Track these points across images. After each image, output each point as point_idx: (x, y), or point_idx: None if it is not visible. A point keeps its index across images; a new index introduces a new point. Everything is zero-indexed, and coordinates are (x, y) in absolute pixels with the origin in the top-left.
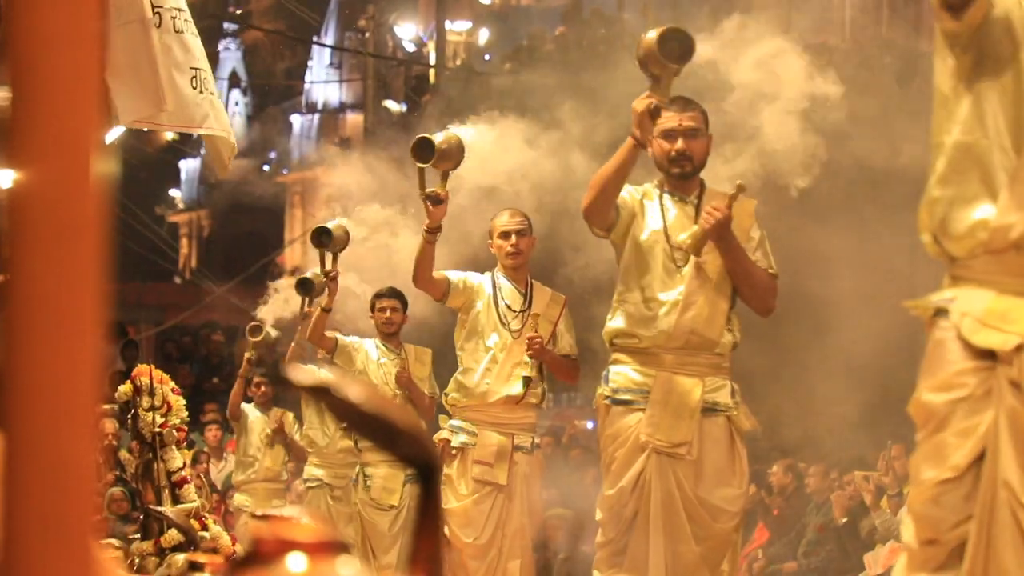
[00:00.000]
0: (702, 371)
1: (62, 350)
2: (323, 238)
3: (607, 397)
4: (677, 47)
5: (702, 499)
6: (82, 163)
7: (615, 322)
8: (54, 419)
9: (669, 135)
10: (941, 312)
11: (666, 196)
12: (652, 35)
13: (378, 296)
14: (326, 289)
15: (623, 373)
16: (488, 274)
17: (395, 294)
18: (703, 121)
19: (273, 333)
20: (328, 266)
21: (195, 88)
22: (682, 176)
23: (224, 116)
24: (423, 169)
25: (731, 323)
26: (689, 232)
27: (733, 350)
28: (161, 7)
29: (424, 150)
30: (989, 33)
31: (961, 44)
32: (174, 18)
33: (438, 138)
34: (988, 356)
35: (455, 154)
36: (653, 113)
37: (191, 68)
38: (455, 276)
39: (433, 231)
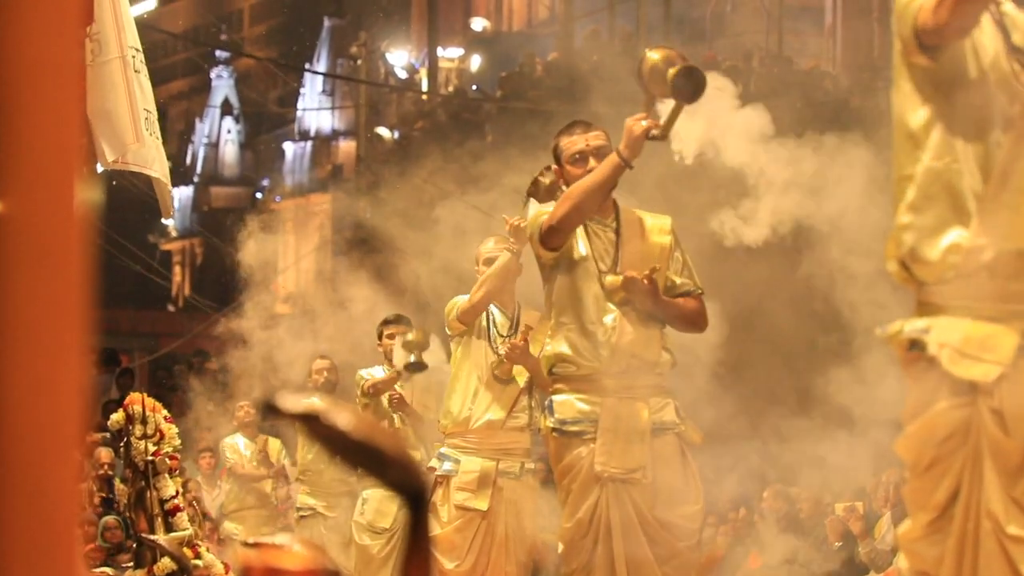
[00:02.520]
0: (645, 392)
1: (45, 377)
2: (416, 368)
3: (554, 429)
4: (691, 86)
5: (662, 520)
6: (64, 191)
7: (558, 346)
8: (37, 446)
9: (579, 157)
10: (916, 344)
11: (586, 222)
12: (670, 70)
13: (386, 323)
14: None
15: (567, 403)
16: None
17: (403, 320)
18: (608, 139)
19: None
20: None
21: (147, 131)
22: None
23: (165, 161)
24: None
25: (666, 341)
26: (611, 279)
27: (672, 368)
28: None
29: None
30: (955, 61)
31: (931, 78)
32: (134, 57)
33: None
34: (968, 387)
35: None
36: (649, 136)
37: (144, 110)
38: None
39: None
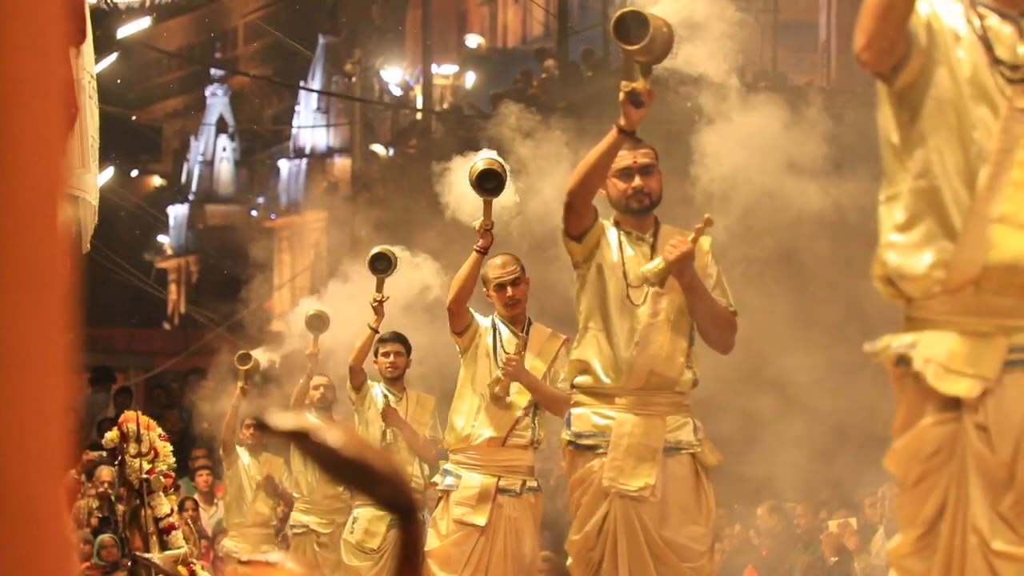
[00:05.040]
0: (663, 410)
1: (29, 396)
2: (379, 264)
3: (570, 442)
4: (628, 30)
5: (668, 540)
6: (48, 209)
7: (583, 352)
8: (21, 466)
9: (625, 173)
10: (903, 359)
11: (623, 234)
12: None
13: (382, 341)
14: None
15: (584, 416)
16: (490, 318)
17: (398, 338)
18: (655, 157)
19: (263, 362)
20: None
21: (91, 158)
22: (641, 211)
23: (97, 193)
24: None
25: (691, 361)
26: (654, 263)
27: (694, 387)
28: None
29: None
30: (929, 78)
31: (906, 97)
32: (89, 83)
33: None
34: (954, 402)
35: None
36: (632, 99)
37: (91, 136)
38: (471, 314)
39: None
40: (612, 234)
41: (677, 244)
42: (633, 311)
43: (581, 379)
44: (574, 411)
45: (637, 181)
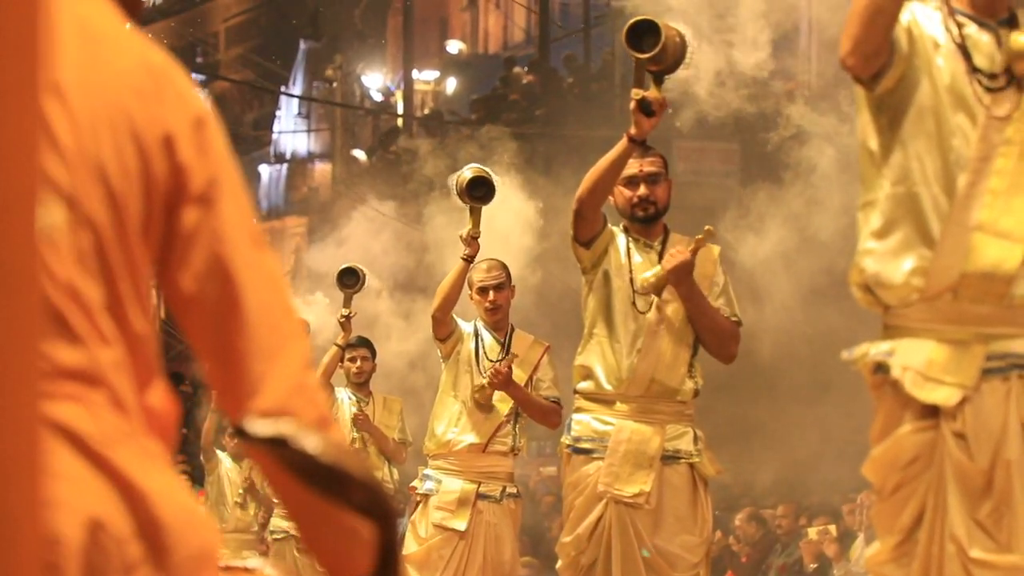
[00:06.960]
0: (663, 419)
1: (2, 402)
2: (347, 279)
3: (568, 446)
4: (640, 39)
5: (660, 548)
6: (24, 214)
7: (586, 359)
8: None
9: (631, 182)
10: (881, 367)
11: (631, 241)
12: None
13: (348, 346)
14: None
15: (584, 422)
16: (472, 323)
17: (364, 343)
18: (663, 165)
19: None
20: (347, 307)
21: None
22: (647, 219)
23: None
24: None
25: (693, 370)
26: (652, 271)
27: (695, 397)
28: None
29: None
30: (910, 85)
31: (885, 103)
32: None
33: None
34: (932, 410)
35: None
36: (643, 107)
37: None
38: (455, 321)
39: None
40: (621, 240)
41: (677, 253)
42: (638, 318)
43: (583, 385)
44: (575, 416)
45: (642, 190)
